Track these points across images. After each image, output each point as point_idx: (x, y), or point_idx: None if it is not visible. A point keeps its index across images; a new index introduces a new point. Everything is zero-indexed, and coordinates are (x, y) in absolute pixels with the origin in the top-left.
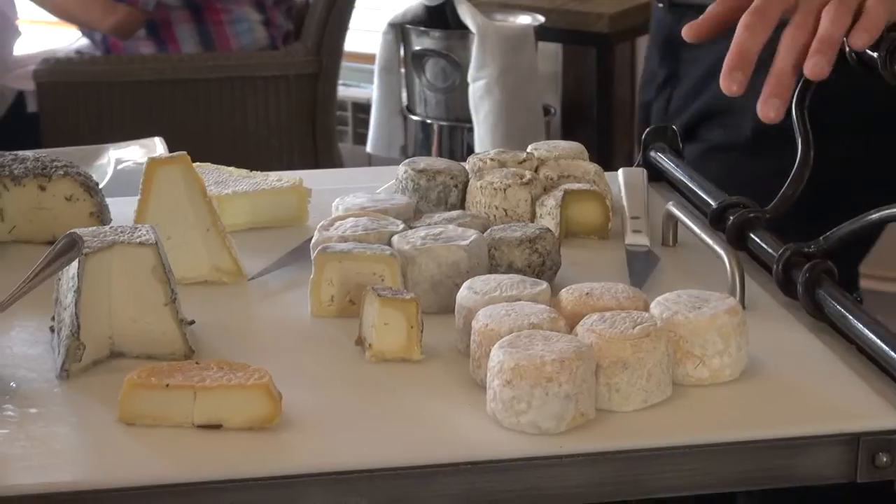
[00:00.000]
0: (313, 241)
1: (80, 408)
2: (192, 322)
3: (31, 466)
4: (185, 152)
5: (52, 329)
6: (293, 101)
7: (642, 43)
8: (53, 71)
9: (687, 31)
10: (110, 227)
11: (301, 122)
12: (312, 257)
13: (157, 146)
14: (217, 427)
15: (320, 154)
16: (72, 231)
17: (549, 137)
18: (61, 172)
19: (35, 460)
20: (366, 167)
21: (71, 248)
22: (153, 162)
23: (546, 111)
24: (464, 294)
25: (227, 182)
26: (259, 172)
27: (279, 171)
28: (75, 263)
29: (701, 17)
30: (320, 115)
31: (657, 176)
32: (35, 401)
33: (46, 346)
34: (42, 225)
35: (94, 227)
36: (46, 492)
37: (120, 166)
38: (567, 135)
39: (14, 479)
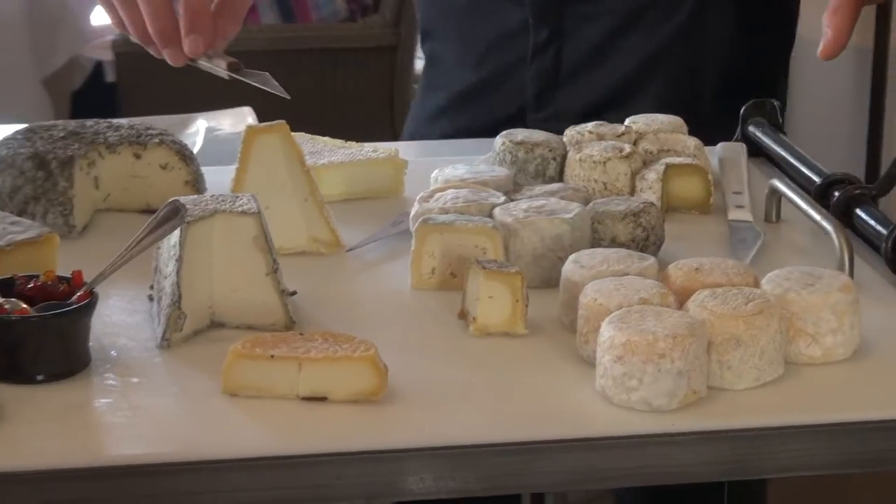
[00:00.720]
0: (413, 212)
1: (181, 378)
2: (294, 293)
3: (134, 436)
4: (283, 121)
5: (150, 298)
6: (371, 72)
7: None
8: (132, 41)
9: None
10: (211, 196)
11: (379, 94)
12: (412, 229)
13: (247, 116)
14: (322, 399)
15: (397, 126)
16: (174, 199)
17: None
18: (156, 140)
19: (138, 430)
20: (459, 139)
21: (173, 215)
22: (252, 130)
23: None
24: (569, 268)
25: (321, 152)
26: (354, 143)
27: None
28: (177, 232)
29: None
30: (398, 87)
31: (756, 151)
32: (136, 370)
33: (145, 315)
34: (136, 193)
35: (195, 196)
36: (150, 462)
37: (210, 135)
38: None
39: (118, 449)
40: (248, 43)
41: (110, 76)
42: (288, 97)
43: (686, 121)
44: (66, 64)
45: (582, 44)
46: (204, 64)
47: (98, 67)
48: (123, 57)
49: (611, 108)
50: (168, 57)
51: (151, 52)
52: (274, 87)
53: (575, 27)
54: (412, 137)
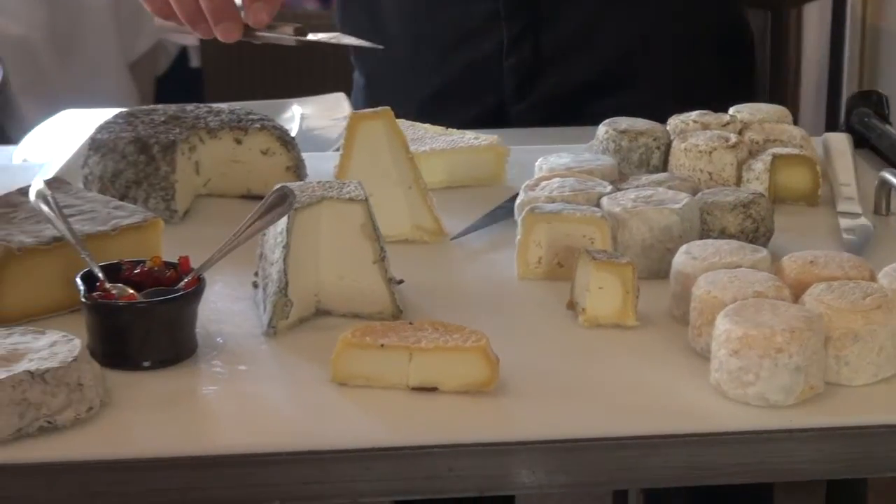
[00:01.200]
0: (519, 200)
1: (289, 366)
2: (401, 281)
3: (242, 425)
4: (388, 107)
5: (254, 284)
6: None
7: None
8: None
9: None
10: (318, 182)
11: None
12: (517, 217)
13: (342, 102)
14: (432, 390)
15: None
16: (282, 185)
17: None
18: (258, 126)
19: (246, 419)
20: (556, 127)
21: (281, 202)
22: (356, 116)
23: None
24: (681, 259)
25: (423, 139)
26: (454, 130)
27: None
28: (284, 218)
29: None
30: None
31: (860, 142)
32: (243, 357)
33: (249, 302)
34: (237, 178)
35: (301, 182)
36: (259, 451)
37: (304, 121)
38: None
39: (227, 437)
40: (331, 29)
41: (195, 61)
42: (380, 46)
43: (683, 99)
44: (150, 48)
45: (562, 28)
46: (266, 34)
47: (183, 52)
48: (208, 42)
49: (601, 90)
50: (221, 32)
51: (199, 33)
52: (353, 41)
53: (552, 13)
54: None
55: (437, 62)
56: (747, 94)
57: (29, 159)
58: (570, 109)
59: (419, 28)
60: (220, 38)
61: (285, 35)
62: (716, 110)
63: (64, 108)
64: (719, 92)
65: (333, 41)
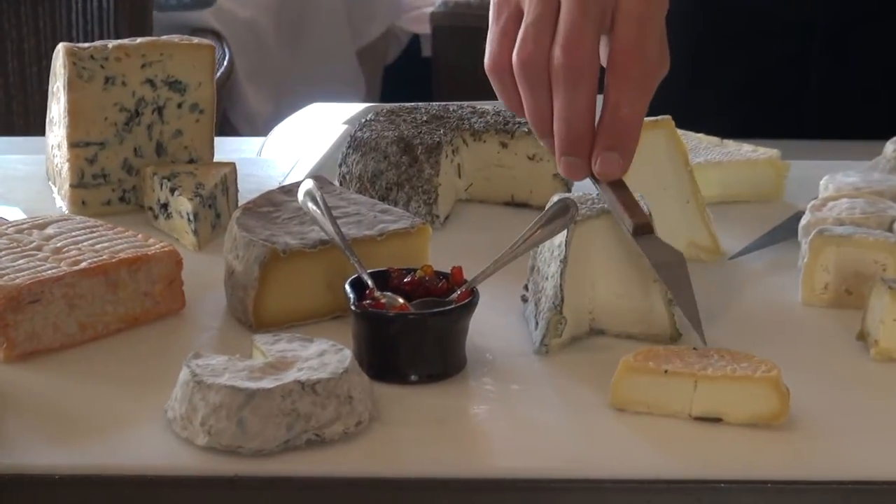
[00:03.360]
0: (804, 221)
1: (563, 388)
2: None
3: (517, 448)
4: (668, 116)
5: (523, 298)
6: None
7: None
8: (451, 14)
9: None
10: (598, 194)
11: None
12: (802, 239)
13: None
14: (716, 420)
15: None
16: (564, 196)
17: None
18: (525, 129)
19: (522, 442)
20: (837, 140)
21: (563, 213)
22: None
23: None
24: None
25: (696, 150)
26: (731, 141)
27: None
28: (563, 232)
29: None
30: None
31: None
32: (514, 376)
33: (517, 317)
34: (500, 184)
35: (580, 193)
36: (535, 477)
37: None
38: None
39: (500, 460)
40: None
41: (426, 50)
42: (704, 342)
43: None
44: (381, 35)
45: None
46: (608, 196)
47: (414, 41)
48: (441, 31)
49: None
50: (565, 168)
51: (544, 144)
52: (691, 318)
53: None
54: None
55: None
56: None
57: (277, 153)
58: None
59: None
60: (561, 171)
61: (623, 218)
62: None
63: (289, 99)
64: None
65: (665, 281)
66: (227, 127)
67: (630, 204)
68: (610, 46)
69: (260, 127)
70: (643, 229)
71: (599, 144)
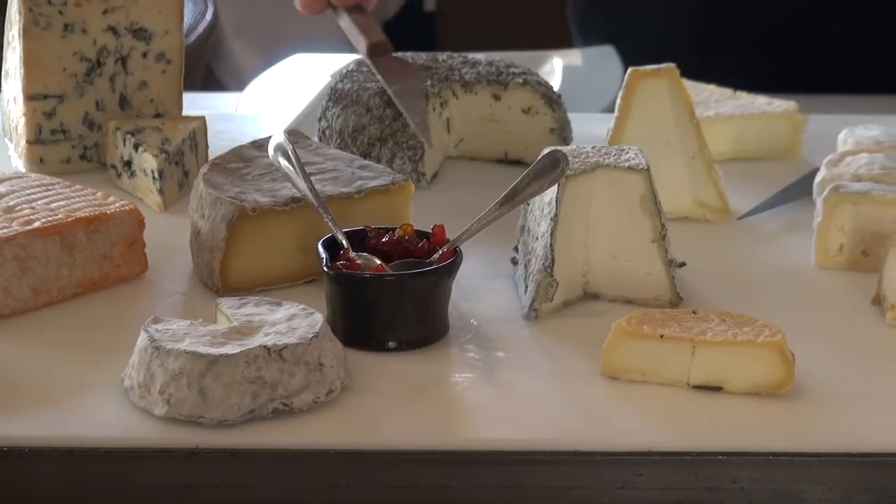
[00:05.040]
0: (819, 178)
1: (553, 355)
2: (683, 264)
3: (500, 419)
4: (672, 65)
5: (513, 261)
6: None
7: None
8: None
9: None
10: (592, 147)
11: None
12: (817, 197)
13: (611, 55)
14: (716, 389)
15: None
16: (553, 149)
17: None
18: (519, 80)
19: (506, 412)
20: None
21: (553, 167)
22: (636, 74)
23: None
24: None
25: (707, 103)
26: (744, 93)
27: None
28: (553, 187)
29: None
30: None
31: None
32: (500, 343)
33: (507, 280)
34: (493, 139)
35: (573, 146)
36: (519, 449)
37: (566, 77)
38: None
39: (482, 432)
40: None
41: (429, 5)
42: (430, 145)
43: None
44: None
45: None
46: (345, 23)
47: None
48: None
49: None
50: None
51: None
52: (419, 126)
53: None
54: None
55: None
56: None
57: (255, 108)
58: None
59: None
60: (297, 5)
61: (359, 42)
62: None
63: (279, 53)
64: None
65: (401, 106)
66: (212, 83)
67: (366, 26)
68: None
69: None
70: (378, 49)
71: None
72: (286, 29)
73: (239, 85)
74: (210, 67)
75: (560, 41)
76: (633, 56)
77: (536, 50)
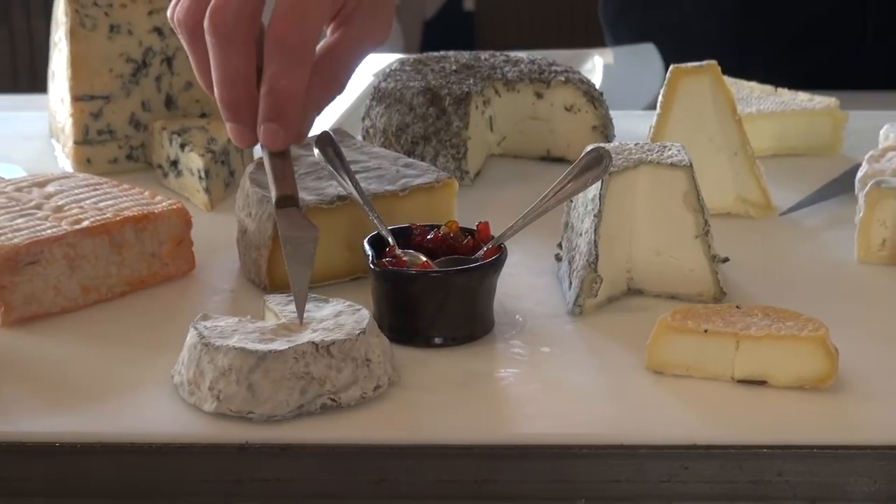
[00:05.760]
0: (861, 173)
1: (597, 350)
2: (726, 259)
3: (548, 414)
4: (714, 62)
5: (557, 257)
6: None
7: None
8: None
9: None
10: (635, 144)
11: None
12: (859, 193)
13: (651, 53)
14: (760, 383)
15: None
16: (597, 145)
17: None
18: (562, 78)
19: (552, 407)
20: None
21: (597, 163)
22: (678, 71)
23: None
24: None
25: (748, 99)
26: (786, 90)
27: None
28: (597, 184)
29: None
30: None
31: None
32: (545, 338)
33: (551, 277)
34: (535, 137)
35: (616, 143)
36: (565, 443)
37: (607, 75)
38: None
39: (529, 426)
40: None
41: (469, 4)
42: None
43: None
44: None
45: None
46: (266, 164)
47: None
48: None
49: None
50: (231, 133)
51: (230, 120)
52: (297, 297)
53: None
54: None
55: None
56: None
57: None
58: None
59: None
60: (262, 141)
61: (272, 189)
62: None
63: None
64: None
65: (285, 255)
66: None
67: (280, 176)
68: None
69: None
70: (285, 202)
71: (261, 115)
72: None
73: None
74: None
75: (596, 40)
76: (666, 54)
77: (573, 48)
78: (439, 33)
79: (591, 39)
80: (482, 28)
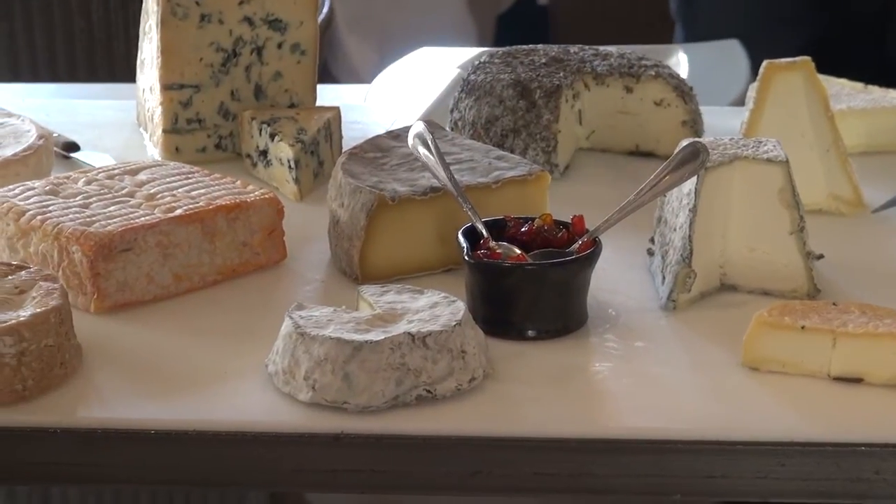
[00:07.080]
0: None
1: (692, 345)
2: (821, 256)
3: (641, 407)
4: (807, 58)
5: (649, 252)
6: None
7: None
8: None
9: None
10: (730, 139)
11: None
12: None
13: (735, 48)
14: (857, 381)
15: None
16: (694, 140)
17: None
18: (652, 73)
19: (647, 401)
20: None
21: (693, 158)
22: (772, 67)
23: None
24: None
25: (838, 96)
26: (877, 87)
27: None
28: (691, 179)
29: None
30: None
31: None
32: (639, 333)
33: (643, 271)
34: (624, 131)
35: (712, 138)
36: (661, 438)
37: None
38: None
39: (624, 421)
40: None
41: None
42: None
43: None
44: None
45: None
46: None
47: None
48: None
49: None
50: None
51: None
52: None
53: None
54: None
55: None
56: None
57: (383, 99)
58: None
59: None
60: None
61: None
62: None
63: (393, 49)
64: None
65: None
66: (326, 78)
67: None
68: None
69: (364, 80)
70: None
71: None
72: (401, 24)
73: (352, 80)
74: (325, 64)
75: (665, 35)
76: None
77: (650, 44)
78: (513, 27)
79: (663, 35)
80: (556, 22)
